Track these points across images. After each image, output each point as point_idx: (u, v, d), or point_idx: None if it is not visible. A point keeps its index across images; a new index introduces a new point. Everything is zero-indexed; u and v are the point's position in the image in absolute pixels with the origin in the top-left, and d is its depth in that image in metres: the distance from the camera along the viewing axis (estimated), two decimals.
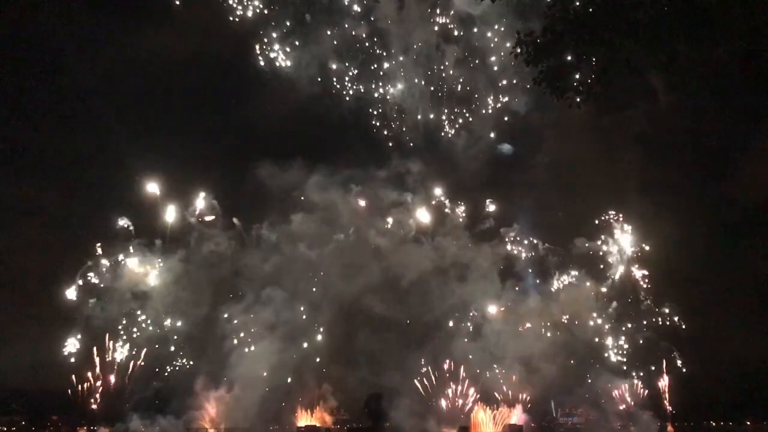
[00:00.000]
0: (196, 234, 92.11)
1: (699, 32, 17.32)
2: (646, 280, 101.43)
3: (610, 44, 17.69)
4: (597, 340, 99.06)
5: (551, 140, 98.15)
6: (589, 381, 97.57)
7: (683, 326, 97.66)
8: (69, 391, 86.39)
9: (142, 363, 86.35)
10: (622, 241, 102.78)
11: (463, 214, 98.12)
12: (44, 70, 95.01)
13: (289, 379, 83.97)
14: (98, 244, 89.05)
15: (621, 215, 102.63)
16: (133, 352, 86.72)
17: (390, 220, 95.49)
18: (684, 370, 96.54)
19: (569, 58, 18.52)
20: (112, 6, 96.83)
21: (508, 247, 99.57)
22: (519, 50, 18.36)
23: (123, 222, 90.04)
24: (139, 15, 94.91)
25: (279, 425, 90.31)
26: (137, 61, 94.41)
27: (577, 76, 18.95)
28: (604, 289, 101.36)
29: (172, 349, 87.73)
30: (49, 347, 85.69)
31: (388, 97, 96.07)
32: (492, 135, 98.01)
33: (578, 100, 19.08)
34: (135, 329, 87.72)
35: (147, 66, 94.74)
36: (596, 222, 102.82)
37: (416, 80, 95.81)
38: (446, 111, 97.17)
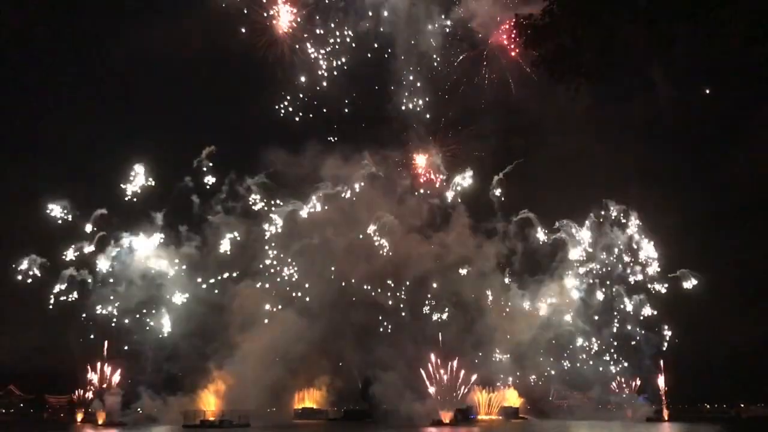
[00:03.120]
0: (215, 220, 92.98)
1: (699, 15, 17.22)
2: (641, 267, 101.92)
3: (609, 27, 17.56)
4: (591, 327, 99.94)
5: (554, 132, 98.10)
6: (584, 367, 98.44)
7: (677, 313, 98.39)
8: (74, 373, 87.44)
9: (153, 345, 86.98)
10: (618, 231, 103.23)
11: (466, 212, 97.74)
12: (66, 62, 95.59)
13: (291, 362, 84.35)
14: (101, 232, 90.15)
15: (619, 205, 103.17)
16: (146, 335, 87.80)
17: (398, 210, 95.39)
18: (678, 355, 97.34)
19: (568, 41, 18.38)
20: None
21: (506, 240, 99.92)
22: (518, 33, 18.21)
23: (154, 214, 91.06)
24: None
25: (277, 407, 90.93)
26: (152, 52, 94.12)
27: (576, 60, 18.80)
28: (597, 279, 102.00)
29: (183, 331, 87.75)
30: (53, 329, 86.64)
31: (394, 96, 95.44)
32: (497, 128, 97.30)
33: (576, 83, 18.96)
34: (152, 312, 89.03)
35: (158, 59, 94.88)
36: (593, 212, 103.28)
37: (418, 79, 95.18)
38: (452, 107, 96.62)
